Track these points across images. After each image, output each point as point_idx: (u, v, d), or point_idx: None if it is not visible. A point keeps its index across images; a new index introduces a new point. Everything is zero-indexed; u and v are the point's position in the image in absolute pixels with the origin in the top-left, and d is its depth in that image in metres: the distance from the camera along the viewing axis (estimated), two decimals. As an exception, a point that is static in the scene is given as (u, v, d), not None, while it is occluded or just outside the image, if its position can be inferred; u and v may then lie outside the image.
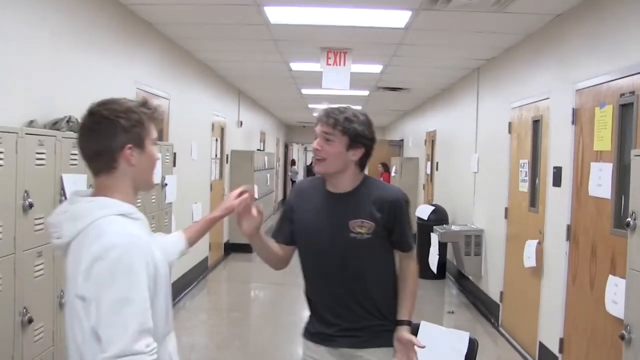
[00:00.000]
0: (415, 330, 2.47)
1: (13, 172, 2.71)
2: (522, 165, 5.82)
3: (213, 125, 8.99)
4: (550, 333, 4.97)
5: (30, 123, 3.52)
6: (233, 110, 10.81)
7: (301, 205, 2.48)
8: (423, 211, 9.27)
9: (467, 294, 7.65)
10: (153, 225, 4.63)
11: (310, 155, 30.00)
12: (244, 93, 11.61)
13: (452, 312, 6.95)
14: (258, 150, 12.85)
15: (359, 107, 10.59)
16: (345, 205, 2.36)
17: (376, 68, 8.01)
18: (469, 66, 7.68)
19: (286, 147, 22.91)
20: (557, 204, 4.88)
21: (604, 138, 4.12)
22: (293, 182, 23.75)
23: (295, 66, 8.08)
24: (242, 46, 6.91)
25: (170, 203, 5.13)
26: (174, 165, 5.63)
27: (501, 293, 6.30)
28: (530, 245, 5.32)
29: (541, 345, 5.15)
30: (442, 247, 7.91)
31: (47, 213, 2.89)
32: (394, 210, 2.35)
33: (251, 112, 13.01)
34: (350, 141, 2.33)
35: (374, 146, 2.41)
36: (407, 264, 2.46)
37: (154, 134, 1.84)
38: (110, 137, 1.73)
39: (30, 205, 2.79)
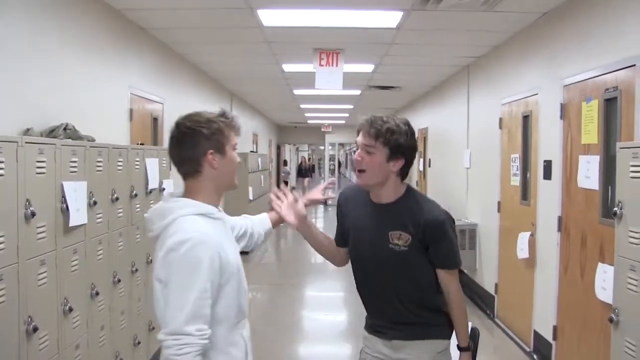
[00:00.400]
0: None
1: (14, 181, 2.69)
2: (513, 159, 5.92)
3: (207, 128, 9.03)
4: (544, 321, 5.07)
5: (27, 131, 3.55)
6: (226, 112, 10.86)
7: (348, 211, 2.58)
8: (417, 207, 9.34)
9: (462, 287, 7.72)
10: (152, 228, 4.69)
11: (301, 155, 30.08)
12: (236, 95, 11.67)
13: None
14: (251, 152, 12.91)
15: (350, 106, 10.56)
16: (386, 216, 2.42)
17: (368, 67, 8.09)
18: (459, 64, 7.78)
19: (278, 148, 22.96)
20: (548, 197, 4.99)
21: (590, 132, 4.23)
22: (285, 182, 23.77)
23: (288, 67, 8.15)
24: (236, 49, 6.98)
25: (168, 207, 5.19)
26: (170, 169, 5.69)
27: (496, 285, 6.41)
28: (523, 237, 5.42)
29: (536, 334, 5.26)
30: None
31: (49, 221, 2.98)
32: (430, 231, 2.37)
33: (244, 114, 13.06)
34: (391, 152, 2.35)
35: (415, 155, 2.44)
36: (446, 285, 2.49)
37: (234, 140, 2.09)
38: (194, 145, 1.99)
39: (33, 214, 2.79)
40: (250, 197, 11.00)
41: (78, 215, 3.25)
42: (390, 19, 5.42)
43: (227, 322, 1.99)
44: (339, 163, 38.25)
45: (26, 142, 2.83)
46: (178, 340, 1.83)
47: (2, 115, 3.46)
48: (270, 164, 18.39)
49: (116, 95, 5.28)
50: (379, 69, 8.14)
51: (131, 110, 5.51)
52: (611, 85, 3.96)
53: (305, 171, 25.87)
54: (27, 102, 3.73)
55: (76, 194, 3.24)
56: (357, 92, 10.91)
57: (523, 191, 5.69)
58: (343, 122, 19.61)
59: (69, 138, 3.68)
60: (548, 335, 4.96)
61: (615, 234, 3.00)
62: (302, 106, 14.06)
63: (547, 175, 5.00)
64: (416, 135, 11.97)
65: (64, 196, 3.13)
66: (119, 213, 3.96)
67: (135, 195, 4.24)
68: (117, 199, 3.86)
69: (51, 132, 3.72)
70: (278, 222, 2.59)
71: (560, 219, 4.75)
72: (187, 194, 2.06)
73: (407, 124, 2.41)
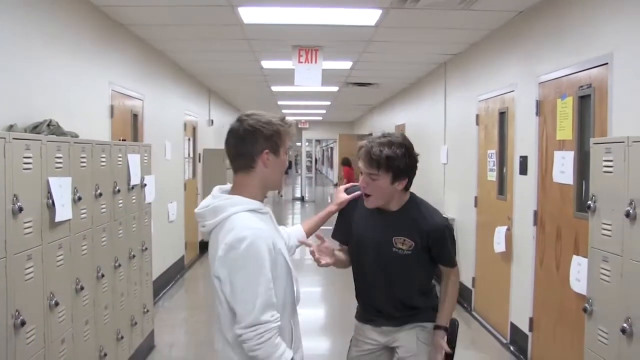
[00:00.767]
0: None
1: (1, 177, 2.69)
2: (490, 155, 6.04)
3: (185, 124, 9.05)
4: (520, 313, 5.20)
5: (10, 127, 3.55)
6: (204, 109, 10.87)
7: (354, 215, 2.72)
8: (395, 203, 9.44)
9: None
10: (134, 225, 4.72)
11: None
12: (214, 92, 11.66)
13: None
14: (230, 148, 12.89)
15: (327, 103, 10.56)
16: (391, 223, 2.61)
17: (346, 64, 8.16)
18: (436, 61, 7.88)
19: (256, 144, 22.87)
20: (524, 191, 5.11)
21: (565, 128, 4.35)
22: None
23: (267, 64, 8.18)
24: (216, 46, 6.99)
25: (150, 203, 5.21)
26: (151, 165, 5.69)
27: (473, 279, 6.53)
28: (500, 232, 5.54)
29: (512, 326, 5.39)
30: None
31: (35, 216, 2.99)
32: (433, 237, 2.60)
33: (222, 111, 13.05)
34: (394, 176, 2.51)
35: (416, 169, 2.58)
36: (448, 274, 2.77)
37: (288, 145, 2.21)
38: (254, 143, 2.11)
39: (20, 209, 2.79)
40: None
41: (63, 210, 3.26)
42: (368, 16, 5.49)
43: (279, 309, 2.09)
44: (315, 160, 38.29)
45: (13, 138, 2.82)
46: (256, 331, 1.98)
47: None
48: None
49: (97, 91, 5.28)
50: (357, 65, 8.21)
51: (112, 107, 5.51)
52: (585, 82, 4.08)
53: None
54: (9, 98, 3.71)
55: (61, 189, 3.25)
56: (335, 88, 10.97)
57: (499, 186, 5.81)
58: (320, 118, 19.66)
59: (52, 134, 3.67)
60: (524, 327, 5.08)
61: (589, 226, 3.10)
62: (279, 103, 14.09)
63: (523, 170, 5.12)
64: (393, 132, 12.09)
65: (49, 192, 3.13)
66: (102, 209, 3.97)
67: (118, 191, 4.26)
68: (100, 194, 3.87)
69: (35, 128, 3.72)
70: (310, 234, 2.72)
71: (536, 213, 4.87)
72: (236, 188, 2.16)
73: (404, 144, 2.52)
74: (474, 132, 6.52)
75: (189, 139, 9.46)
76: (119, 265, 4.30)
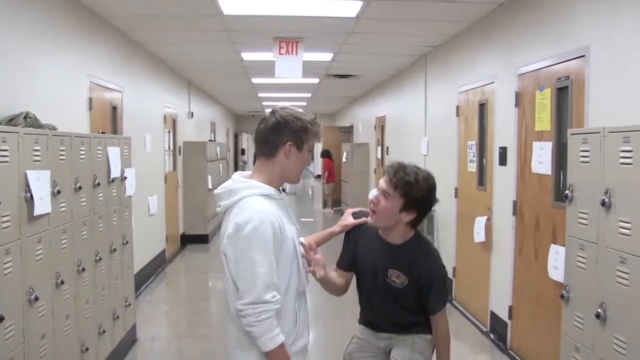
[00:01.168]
0: None
1: None
2: (470, 146, 6.09)
3: (165, 117, 8.98)
4: (500, 302, 5.26)
5: (-15, 120, 3.51)
6: (184, 101, 10.80)
7: (359, 239, 2.79)
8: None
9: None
10: (115, 219, 4.68)
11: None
12: (194, 84, 11.59)
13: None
14: (210, 140, 12.84)
15: (308, 95, 10.53)
16: (390, 255, 2.66)
17: (327, 56, 8.15)
18: (417, 53, 7.91)
19: (236, 136, 22.85)
20: (504, 182, 5.16)
21: (544, 119, 4.40)
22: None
23: (247, 56, 8.15)
24: (195, 38, 6.95)
25: (130, 196, 5.17)
26: (131, 158, 5.66)
27: (454, 269, 6.59)
28: (480, 222, 5.60)
29: (492, 314, 5.46)
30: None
31: (13, 210, 2.95)
32: (426, 281, 2.64)
33: (201, 103, 12.98)
34: (405, 204, 2.55)
35: (430, 209, 2.65)
36: (435, 325, 2.75)
37: (312, 144, 2.33)
38: (280, 133, 2.24)
39: None
40: (209, 186, 10.97)
41: (42, 204, 3.23)
42: (349, 8, 5.49)
43: (286, 294, 2.21)
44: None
45: (-10, 131, 2.80)
46: (256, 309, 2.09)
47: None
48: (228, 153, 18.32)
49: (76, 84, 5.22)
50: (337, 57, 8.21)
51: (90, 99, 5.46)
52: (563, 74, 4.13)
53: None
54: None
55: (40, 182, 3.22)
56: (316, 80, 10.96)
57: (479, 177, 5.86)
58: (301, 110, 19.60)
59: (29, 127, 3.63)
60: (504, 315, 5.15)
61: (567, 215, 3.16)
62: (260, 95, 14.04)
63: (503, 161, 5.17)
64: (374, 123, 12.17)
65: (27, 185, 3.10)
66: (82, 202, 3.94)
67: (98, 184, 4.23)
68: (80, 187, 3.84)
69: (10, 121, 3.67)
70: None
71: (515, 204, 4.92)
72: (255, 172, 2.31)
73: (429, 179, 2.61)
74: (454, 123, 6.57)
75: (169, 132, 9.40)
76: (100, 259, 4.27)
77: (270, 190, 2.24)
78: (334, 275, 2.77)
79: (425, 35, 6.77)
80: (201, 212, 10.75)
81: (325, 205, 15.65)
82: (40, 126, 3.75)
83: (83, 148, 3.97)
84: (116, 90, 6.37)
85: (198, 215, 10.74)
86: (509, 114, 5.00)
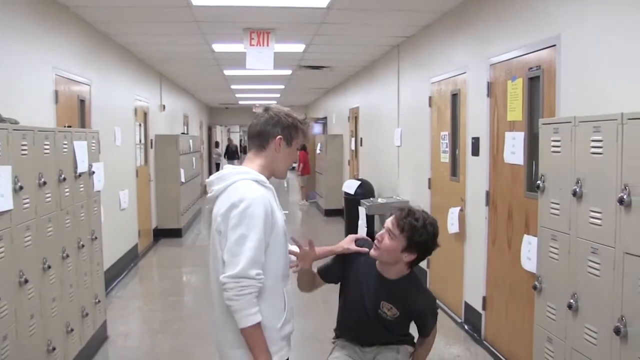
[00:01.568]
0: None
1: None
2: (443, 137, 6.08)
3: (136, 110, 8.85)
4: (474, 293, 5.27)
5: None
6: (155, 94, 10.65)
7: (354, 265, 2.86)
8: (350, 186, 9.48)
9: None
10: (82, 214, 4.58)
11: (227, 137, 29.67)
12: (165, 76, 11.44)
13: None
14: (182, 133, 12.70)
15: (281, 86, 10.47)
16: (384, 288, 2.75)
17: (299, 47, 8.08)
18: (389, 43, 7.87)
19: (209, 129, 22.65)
20: (476, 172, 5.16)
21: (515, 109, 4.39)
22: (217, 165, 23.44)
23: (218, 47, 8.04)
24: (164, 29, 6.82)
25: (99, 191, 5.06)
26: (99, 152, 5.54)
27: (428, 260, 6.59)
28: (453, 213, 5.59)
29: (466, 305, 5.47)
30: (370, 219, 8.14)
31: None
32: (419, 314, 2.79)
33: (173, 96, 12.82)
34: (408, 246, 2.65)
35: (430, 253, 2.74)
36: (425, 335, 2.88)
37: (300, 142, 2.47)
38: (272, 126, 2.39)
39: None
40: (182, 180, 10.86)
41: (3, 201, 3.13)
42: (320, -2, 5.43)
43: (273, 275, 2.30)
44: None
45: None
46: (239, 283, 2.16)
47: None
48: (202, 146, 18.16)
49: (40, 76, 5.09)
50: (310, 48, 8.14)
51: (56, 92, 5.33)
52: (534, 64, 4.12)
53: (232, 153, 25.39)
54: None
55: (0, 179, 3.12)
56: (289, 72, 10.88)
57: (452, 168, 5.86)
58: (274, 102, 19.51)
59: (-10, 121, 3.53)
60: (478, 306, 5.16)
61: (539, 206, 3.15)
62: (233, 87, 13.92)
63: (475, 151, 5.16)
64: (348, 115, 12.14)
65: (-12, 181, 3.01)
66: (47, 198, 3.83)
67: (64, 179, 4.12)
68: (44, 183, 3.73)
69: (-29, 116, 3.56)
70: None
71: (488, 194, 4.92)
72: (245, 162, 2.44)
73: (434, 225, 2.71)
74: (426, 114, 6.55)
75: (140, 125, 9.26)
76: (67, 256, 4.17)
77: (262, 177, 2.35)
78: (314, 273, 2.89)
79: (397, 26, 6.73)
80: (174, 206, 10.65)
81: (303, 198, 15.73)
82: (2, 120, 3.63)
83: (47, 142, 3.85)
84: (84, 83, 6.24)
85: (171, 209, 10.63)
86: (481, 104, 5.00)
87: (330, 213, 12.75)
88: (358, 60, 9.55)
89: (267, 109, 2.45)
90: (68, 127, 5.02)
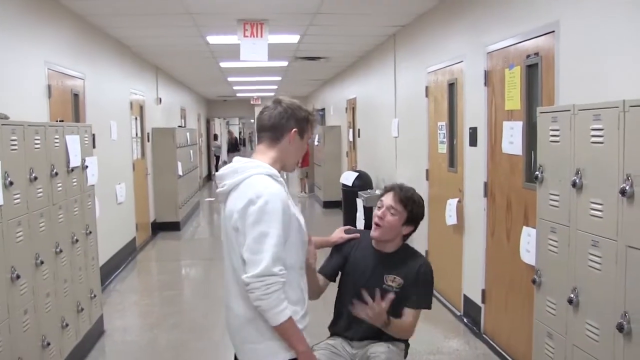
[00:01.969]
0: None
1: None
2: (440, 127, 6.02)
3: (131, 103, 8.77)
4: (473, 285, 5.23)
5: None
6: (151, 87, 10.57)
7: (350, 253, 2.99)
8: (347, 178, 9.43)
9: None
10: (76, 209, 4.53)
11: (226, 130, 29.60)
12: (161, 69, 11.35)
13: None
14: (179, 127, 12.64)
15: (278, 78, 10.43)
16: (385, 263, 2.89)
17: (294, 38, 8.00)
18: (385, 33, 7.80)
19: (208, 122, 22.58)
20: (474, 163, 5.10)
21: (513, 98, 4.33)
22: (217, 157, 23.40)
23: (213, 39, 7.96)
24: (157, 21, 6.74)
25: (93, 186, 5.00)
26: (94, 146, 5.49)
27: (426, 252, 6.54)
28: (451, 204, 5.54)
29: (465, 298, 5.42)
30: (368, 211, 8.09)
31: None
32: (423, 273, 2.87)
33: (170, 89, 12.74)
34: (408, 219, 2.85)
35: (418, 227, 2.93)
36: (409, 320, 2.86)
37: (311, 134, 2.46)
38: (287, 119, 2.35)
39: None
40: (180, 173, 10.80)
41: (-7, 196, 3.08)
42: (314, -12, 5.35)
43: (292, 270, 2.27)
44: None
45: None
46: (263, 282, 2.12)
47: None
48: (200, 139, 18.09)
49: (32, 71, 5.03)
50: (304, 39, 8.06)
51: (49, 87, 5.26)
52: (532, 51, 4.05)
53: (232, 145, 25.38)
54: None
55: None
56: (285, 63, 10.80)
57: (450, 158, 5.80)
58: (272, 94, 19.41)
59: (-20, 116, 3.47)
60: (477, 299, 5.11)
61: (537, 197, 3.09)
62: (229, 79, 13.83)
63: (473, 142, 5.10)
64: (345, 106, 12.07)
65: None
66: (39, 193, 3.78)
67: (56, 174, 4.06)
68: (35, 178, 3.67)
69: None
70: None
71: (486, 185, 4.87)
72: (256, 155, 2.37)
73: (421, 198, 2.95)
74: (423, 104, 6.49)
75: (136, 119, 9.19)
76: (61, 251, 4.12)
77: (274, 171, 2.31)
78: (320, 281, 2.94)
79: (392, 15, 6.65)
80: (172, 199, 10.60)
81: (302, 189, 15.82)
82: (-9, 115, 3.57)
83: (38, 137, 3.80)
84: (77, 77, 6.17)
85: (169, 203, 10.59)
86: (479, 93, 4.93)
87: (328, 205, 12.70)
88: (354, 50, 9.47)
89: (279, 101, 2.40)
90: (60, 121, 4.96)
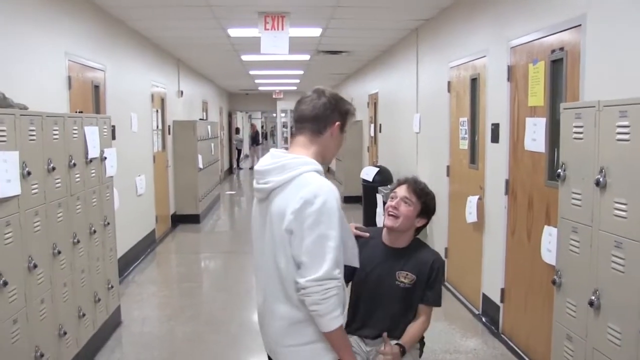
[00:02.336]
0: None
1: None
2: (462, 123, 5.93)
3: (153, 96, 8.80)
4: (492, 284, 5.15)
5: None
6: (173, 80, 10.60)
7: (363, 253, 2.79)
8: (368, 173, 9.37)
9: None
10: (94, 200, 4.54)
11: (249, 123, 29.63)
12: (183, 62, 11.37)
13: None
14: (200, 119, 12.66)
15: (300, 72, 10.42)
16: (396, 258, 2.85)
17: (315, 32, 7.95)
18: (408, 27, 7.71)
19: (230, 115, 22.62)
20: (496, 160, 5.01)
21: (537, 94, 4.23)
22: (239, 150, 23.47)
23: (234, 32, 7.94)
24: (177, 14, 6.73)
25: (111, 177, 5.02)
26: (114, 138, 5.51)
27: (446, 249, 6.47)
28: (472, 201, 5.46)
29: (484, 297, 5.34)
30: (388, 207, 8.01)
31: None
32: (436, 269, 2.84)
33: (192, 81, 12.77)
34: (422, 211, 2.85)
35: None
36: (420, 315, 2.85)
37: (347, 128, 2.36)
38: (332, 111, 2.25)
39: None
40: (200, 166, 10.82)
41: (9, 186, 3.08)
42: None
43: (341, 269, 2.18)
44: (291, 130, 37.93)
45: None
46: (323, 286, 2.03)
47: None
48: (222, 132, 18.13)
49: (53, 62, 5.05)
50: (326, 32, 8.00)
51: (70, 78, 5.28)
52: (557, 46, 3.95)
53: (254, 139, 25.45)
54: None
55: (6, 164, 3.07)
56: (307, 57, 10.76)
57: (471, 155, 5.71)
58: (294, 88, 19.41)
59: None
60: (496, 298, 5.04)
61: (559, 195, 3.01)
62: (251, 72, 13.82)
63: (495, 138, 5.01)
64: (367, 100, 11.99)
65: (-8, 166, 2.96)
66: (57, 183, 3.79)
67: (74, 165, 4.07)
68: (53, 168, 3.68)
69: (-18, 101, 3.51)
70: None
71: (507, 182, 4.78)
72: (297, 149, 2.25)
73: (433, 192, 2.95)
74: (445, 99, 6.40)
75: (157, 111, 9.22)
76: (78, 242, 4.14)
77: (320, 167, 2.22)
78: None
79: (414, 8, 6.57)
80: (192, 192, 10.62)
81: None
82: (10, 105, 3.58)
83: (56, 128, 3.80)
84: (98, 69, 6.19)
85: (189, 195, 10.62)
86: (501, 89, 4.84)
87: (348, 200, 12.65)
88: (376, 44, 9.39)
89: (322, 91, 2.30)
90: (79, 112, 4.98)
